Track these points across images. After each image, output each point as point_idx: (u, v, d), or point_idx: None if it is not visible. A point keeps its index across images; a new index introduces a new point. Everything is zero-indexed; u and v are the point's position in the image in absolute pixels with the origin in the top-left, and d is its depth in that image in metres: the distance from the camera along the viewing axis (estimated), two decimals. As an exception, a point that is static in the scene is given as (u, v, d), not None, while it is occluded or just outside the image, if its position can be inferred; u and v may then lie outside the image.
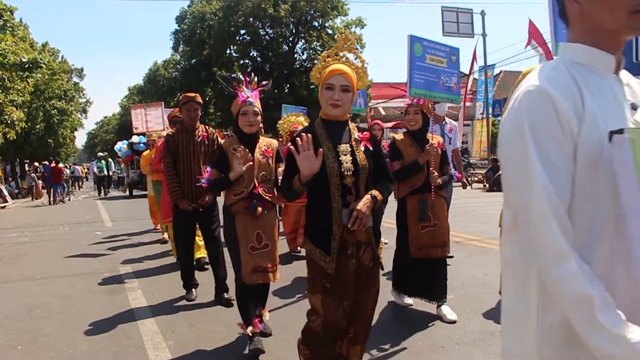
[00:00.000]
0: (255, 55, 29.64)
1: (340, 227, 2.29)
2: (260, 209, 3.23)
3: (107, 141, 56.02)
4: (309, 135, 2.21)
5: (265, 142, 3.40)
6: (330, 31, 29.47)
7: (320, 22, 29.27)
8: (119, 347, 3.52)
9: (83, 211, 13.56)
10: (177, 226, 4.60)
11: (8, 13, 16.11)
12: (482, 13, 19.59)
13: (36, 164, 25.24)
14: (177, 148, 4.37)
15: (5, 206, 17.73)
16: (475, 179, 18.46)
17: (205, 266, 5.50)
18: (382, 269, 2.50)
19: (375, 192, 2.33)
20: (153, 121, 8.78)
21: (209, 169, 3.32)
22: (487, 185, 16.01)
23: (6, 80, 14.56)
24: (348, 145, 2.36)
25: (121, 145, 17.41)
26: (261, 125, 3.62)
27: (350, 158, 2.32)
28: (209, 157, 4.41)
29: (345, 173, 2.29)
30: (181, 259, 4.79)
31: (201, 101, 4.56)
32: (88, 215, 12.51)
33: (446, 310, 3.84)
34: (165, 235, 7.56)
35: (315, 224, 2.38)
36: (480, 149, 21.81)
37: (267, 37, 29.44)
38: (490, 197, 13.16)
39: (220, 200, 3.72)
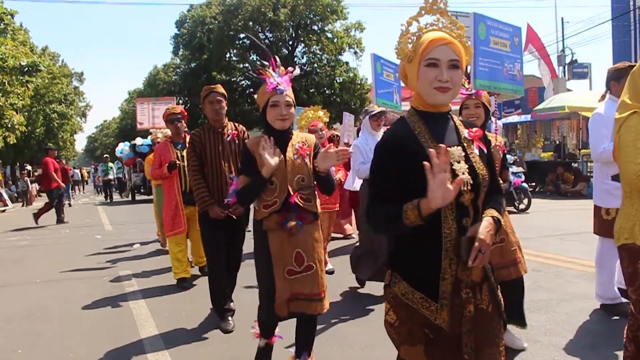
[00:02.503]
0: (255, 59, 29.71)
1: (454, 262, 1.63)
2: (293, 222, 2.60)
3: (107, 145, 56.05)
4: (441, 147, 1.51)
5: (300, 139, 2.76)
6: (329, 35, 29.56)
7: (319, 25, 29.38)
8: (119, 350, 3.52)
9: (83, 215, 13.57)
10: (207, 239, 3.94)
11: (9, 17, 16.15)
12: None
13: (29, 167, 25.14)
14: (204, 149, 3.83)
15: (5, 210, 17.74)
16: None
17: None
18: (505, 323, 1.82)
19: (495, 213, 1.70)
20: (161, 117, 8.29)
21: (234, 179, 2.72)
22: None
23: (6, 84, 14.59)
24: (460, 147, 1.69)
25: (123, 147, 17.05)
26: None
27: (466, 166, 1.66)
28: (240, 159, 3.75)
29: (462, 187, 1.61)
30: (212, 281, 3.99)
31: (224, 92, 4.00)
32: (88, 219, 12.52)
33: (510, 336, 3.17)
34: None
35: (414, 257, 1.70)
36: (480, 152, 21.80)
37: (266, 41, 29.50)
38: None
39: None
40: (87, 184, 35.59)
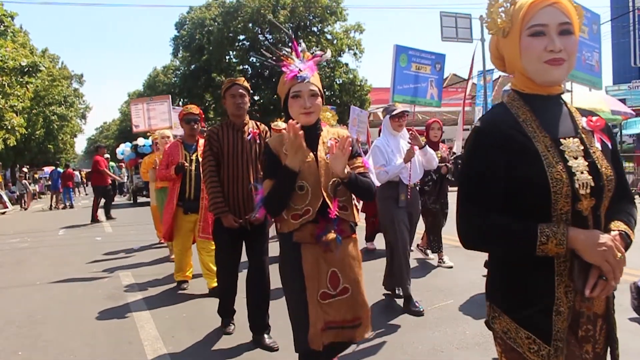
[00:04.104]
0: (254, 60, 29.72)
1: (572, 292, 1.27)
2: (332, 236, 2.17)
3: (107, 147, 56.08)
4: None
5: (332, 134, 2.33)
6: (329, 36, 29.60)
7: (319, 27, 29.42)
8: (119, 352, 3.52)
9: (83, 217, 13.55)
10: (220, 247, 3.66)
11: (9, 19, 16.17)
12: (481, 18, 19.65)
13: (25, 169, 25.16)
14: (221, 148, 3.49)
15: (5, 212, 17.74)
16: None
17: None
18: None
19: (623, 226, 1.31)
20: (157, 117, 7.70)
21: (259, 186, 2.29)
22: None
23: (6, 86, 14.61)
24: (577, 139, 1.33)
25: (124, 148, 16.90)
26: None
27: (586, 163, 1.30)
28: (260, 161, 3.48)
29: (581, 191, 1.26)
30: (221, 287, 3.82)
31: (248, 86, 3.62)
32: (88, 221, 12.51)
33: None
34: (171, 252, 6.46)
35: (518, 282, 1.33)
36: (480, 153, 21.80)
37: (266, 42, 29.54)
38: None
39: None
40: (87, 185, 35.56)
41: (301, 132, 2.08)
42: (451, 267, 5.58)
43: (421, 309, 4.04)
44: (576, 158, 1.29)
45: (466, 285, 4.81)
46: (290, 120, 2.11)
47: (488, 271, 1.46)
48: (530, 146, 1.28)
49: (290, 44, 2.29)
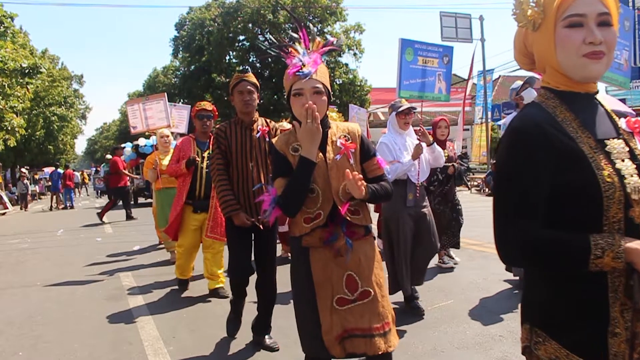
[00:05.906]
0: (254, 61, 29.74)
1: (629, 308, 1.14)
2: (342, 241, 2.02)
3: (107, 147, 56.13)
4: None
5: (341, 131, 2.13)
6: (329, 37, 29.54)
7: (319, 27, 29.40)
8: (119, 352, 3.52)
9: (83, 218, 13.58)
10: (232, 247, 3.47)
11: (8, 20, 16.19)
12: (481, 18, 19.69)
13: (23, 171, 25.13)
14: (229, 146, 3.39)
15: (5, 212, 17.75)
16: (475, 183, 18.49)
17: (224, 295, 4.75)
18: None
19: None
20: (155, 117, 7.40)
21: (269, 187, 2.13)
22: (487, 190, 16.03)
23: (6, 87, 14.63)
24: (621, 140, 1.23)
25: (125, 149, 16.92)
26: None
27: (634, 166, 1.19)
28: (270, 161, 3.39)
29: (633, 196, 1.14)
30: (233, 287, 3.62)
31: (256, 82, 3.48)
32: (88, 222, 12.52)
33: None
34: (172, 255, 6.44)
35: (566, 302, 1.19)
36: (480, 153, 21.87)
37: (266, 42, 29.51)
38: (490, 202, 13.16)
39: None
40: (87, 186, 35.56)
41: (317, 113, 1.94)
42: (451, 268, 5.58)
43: (421, 309, 4.04)
44: (623, 160, 1.17)
45: (466, 285, 4.82)
46: (309, 103, 1.93)
47: (524, 290, 1.32)
48: (575, 147, 1.15)
49: (299, 32, 2.08)
